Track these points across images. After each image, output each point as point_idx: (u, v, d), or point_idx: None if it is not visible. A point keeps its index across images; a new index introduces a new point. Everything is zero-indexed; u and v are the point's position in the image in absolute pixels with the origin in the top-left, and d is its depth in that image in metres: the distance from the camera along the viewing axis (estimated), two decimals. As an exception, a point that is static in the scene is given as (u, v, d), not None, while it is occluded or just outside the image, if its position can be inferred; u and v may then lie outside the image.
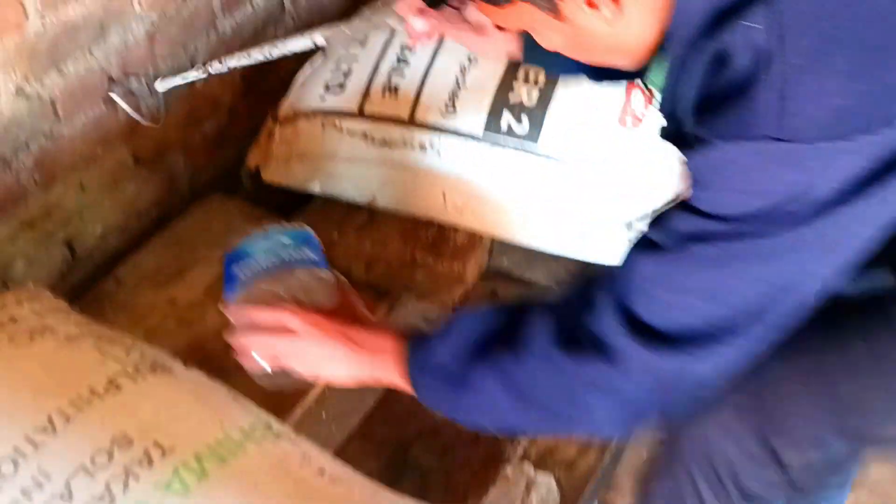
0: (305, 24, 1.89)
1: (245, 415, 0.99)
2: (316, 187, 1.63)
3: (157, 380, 1.01)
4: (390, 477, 1.26)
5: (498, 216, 1.49)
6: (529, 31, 0.91)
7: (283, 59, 1.78)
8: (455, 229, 1.58)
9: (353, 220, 1.63)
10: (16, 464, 0.88)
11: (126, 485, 0.87)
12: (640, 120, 1.41)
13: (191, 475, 0.88)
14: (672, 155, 1.43)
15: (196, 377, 1.06)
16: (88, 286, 1.56)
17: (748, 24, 0.75)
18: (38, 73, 1.39)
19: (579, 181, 1.43)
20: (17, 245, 1.47)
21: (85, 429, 0.91)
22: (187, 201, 1.74)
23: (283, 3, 1.85)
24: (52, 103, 1.44)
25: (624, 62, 0.92)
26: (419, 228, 1.59)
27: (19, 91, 1.37)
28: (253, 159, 1.68)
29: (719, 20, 0.77)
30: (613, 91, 1.41)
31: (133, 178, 1.65)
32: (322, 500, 0.89)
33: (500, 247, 1.62)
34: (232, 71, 1.72)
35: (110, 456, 0.89)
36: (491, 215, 1.50)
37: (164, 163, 1.71)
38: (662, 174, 1.41)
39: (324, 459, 0.98)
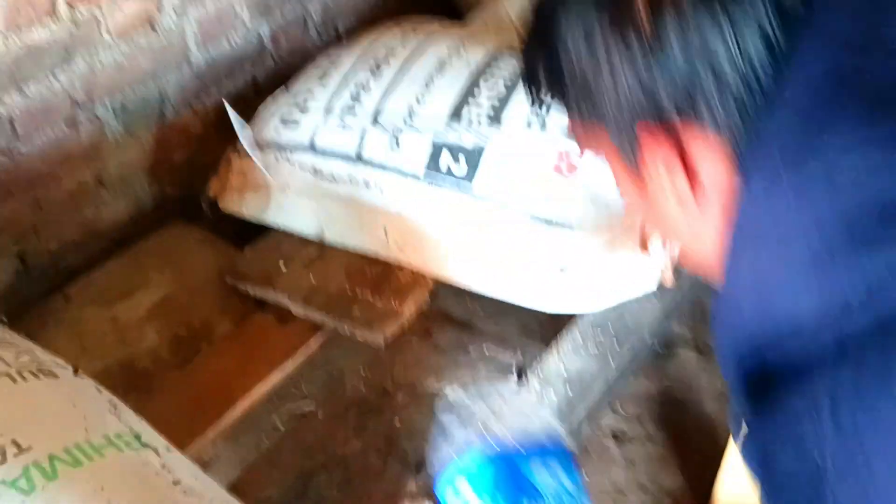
0: (287, 65, 1.95)
1: (117, 424, 1.00)
2: (268, 218, 1.65)
3: (38, 383, 1.02)
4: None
5: (436, 255, 1.50)
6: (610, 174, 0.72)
7: (258, 94, 1.85)
8: (400, 268, 1.58)
9: (303, 254, 1.65)
10: None
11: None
12: (574, 168, 1.41)
13: (40, 475, 0.89)
14: (602, 204, 1.43)
15: (80, 385, 1.07)
16: (38, 300, 1.60)
17: None
18: (-4, 90, 1.45)
19: (513, 225, 1.43)
20: (-30, 255, 1.52)
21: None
22: (151, 226, 1.78)
23: (262, 42, 1.91)
24: (11, 121, 1.50)
25: (701, 259, 0.70)
26: (365, 266, 1.61)
27: (-23, 104, 1.43)
28: (212, 188, 1.72)
29: None
30: (549, 138, 1.42)
31: (94, 200, 1.70)
32: (167, 508, 0.89)
33: (451, 291, 1.62)
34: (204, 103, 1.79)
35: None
36: (429, 253, 1.51)
37: (128, 187, 1.75)
38: (595, 221, 1.41)
39: (186, 472, 0.98)
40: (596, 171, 1.42)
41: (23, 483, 0.88)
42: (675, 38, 0.58)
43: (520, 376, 1.44)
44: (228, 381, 1.45)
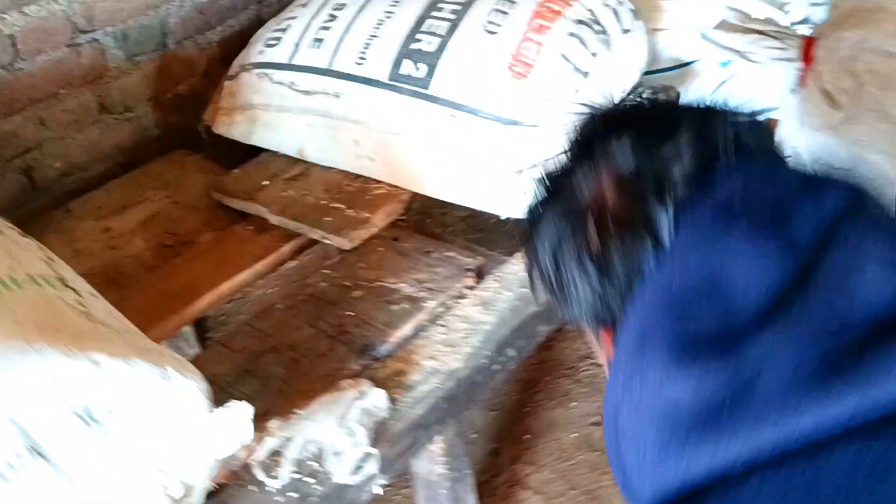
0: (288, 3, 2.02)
1: (45, 269, 1.08)
2: (255, 139, 1.72)
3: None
4: (232, 379, 1.32)
5: (399, 163, 1.54)
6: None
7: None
8: (376, 183, 1.63)
9: (286, 173, 1.71)
10: None
11: None
12: (529, 68, 1.44)
13: (-43, 296, 0.97)
14: (560, 104, 1.45)
15: (21, 241, 1.15)
16: (42, 214, 1.71)
17: None
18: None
19: (469, 127, 1.46)
20: (-28, 165, 1.64)
21: None
22: (154, 153, 1.87)
23: (265, -21, 1.99)
24: (13, 39, 1.61)
25: None
26: (343, 182, 1.65)
27: (-22, 19, 1.55)
28: (208, 114, 1.80)
29: None
30: (504, 41, 1.45)
31: (97, 123, 1.80)
32: (71, 329, 0.96)
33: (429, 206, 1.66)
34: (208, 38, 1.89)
35: None
36: (395, 161, 1.55)
37: (132, 113, 1.85)
38: (549, 123, 1.42)
39: (103, 311, 1.05)
40: (550, 72, 1.44)
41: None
42: (617, 258, 0.67)
43: (478, 277, 1.46)
44: (199, 279, 1.51)
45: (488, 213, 1.54)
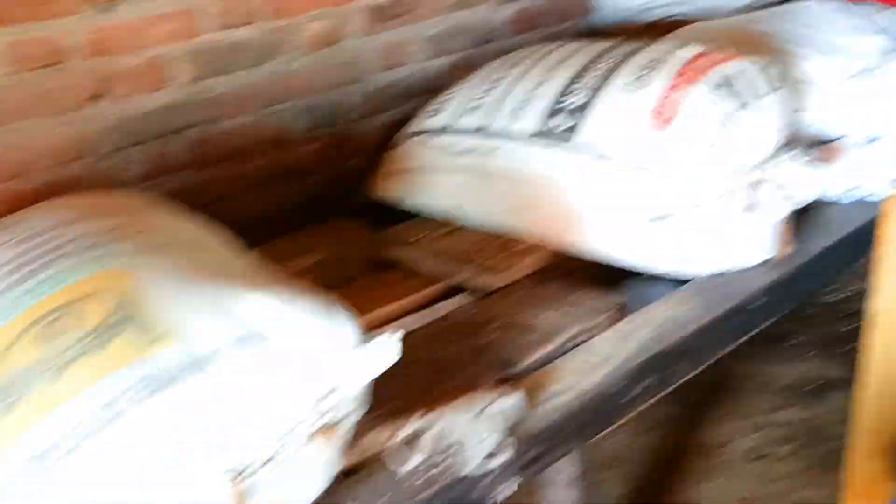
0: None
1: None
2: (411, 201, 1.85)
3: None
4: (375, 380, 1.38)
5: (546, 214, 1.62)
6: None
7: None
8: (520, 238, 1.71)
9: (439, 230, 1.82)
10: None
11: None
12: (671, 119, 1.51)
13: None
14: (696, 156, 1.51)
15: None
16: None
17: None
18: (206, 73, 1.81)
19: (610, 175, 1.54)
20: (168, 208, 1.84)
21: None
22: (324, 217, 2.03)
23: (440, 72, 2.18)
24: (214, 101, 1.84)
25: None
26: (492, 236, 1.75)
27: (188, 83, 1.79)
28: (370, 181, 1.96)
29: None
30: (649, 93, 1.54)
31: (276, 185, 1.99)
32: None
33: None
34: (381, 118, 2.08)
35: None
36: (541, 214, 1.63)
37: (308, 178, 2.04)
38: (685, 174, 1.48)
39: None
40: (689, 125, 1.51)
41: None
42: None
43: (619, 314, 1.49)
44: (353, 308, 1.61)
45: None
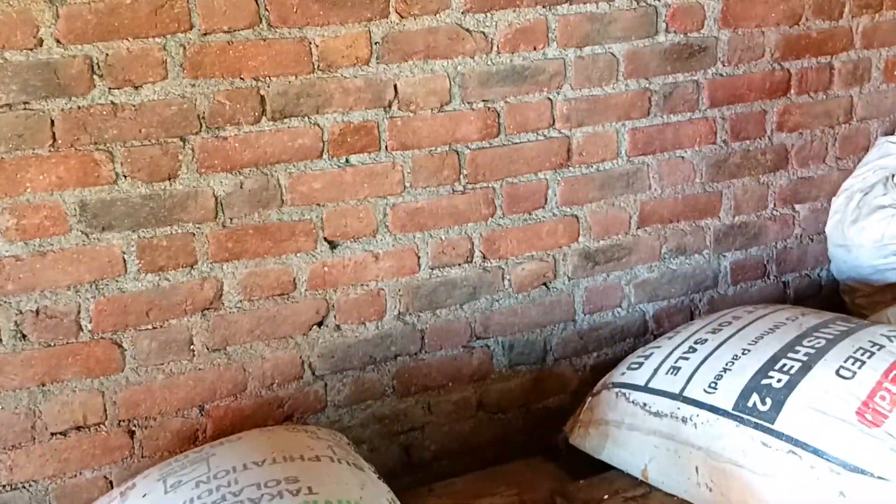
0: (665, 344, 2.18)
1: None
2: (604, 454, 1.81)
3: (346, 468, 1.33)
4: None
5: (736, 496, 1.52)
6: None
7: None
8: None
9: (628, 492, 1.76)
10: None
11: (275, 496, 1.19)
12: (883, 417, 1.39)
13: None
14: None
15: (377, 483, 1.35)
16: (409, 488, 1.92)
17: None
18: (417, 307, 1.92)
19: (810, 467, 1.41)
20: (366, 432, 1.93)
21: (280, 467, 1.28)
22: (516, 454, 2.04)
23: (645, 319, 2.18)
24: (422, 333, 1.94)
25: None
26: (679, 508, 1.67)
27: (400, 316, 1.91)
28: (568, 425, 1.95)
29: None
30: (857, 387, 1.43)
31: (472, 418, 2.03)
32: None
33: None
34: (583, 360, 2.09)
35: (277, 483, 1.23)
36: (731, 495, 1.53)
37: (504, 416, 2.06)
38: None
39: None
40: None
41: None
42: None
43: None
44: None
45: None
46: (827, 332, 1.62)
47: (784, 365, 1.56)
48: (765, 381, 1.56)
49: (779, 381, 1.54)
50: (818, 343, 1.58)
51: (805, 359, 1.55)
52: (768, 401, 1.53)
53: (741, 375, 1.60)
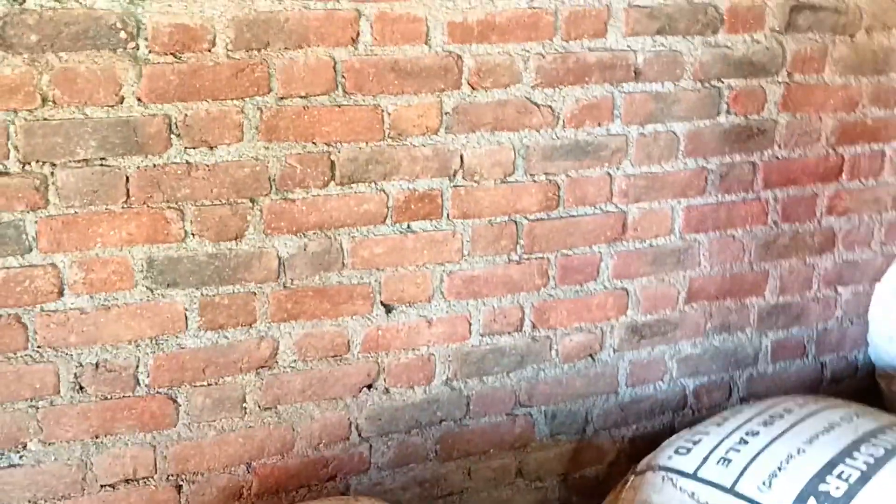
0: (704, 417, 2.18)
1: None
2: (646, 535, 1.82)
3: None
4: None
5: None
6: None
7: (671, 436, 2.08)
8: None
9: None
10: None
11: None
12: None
13: None
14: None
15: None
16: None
17: None
18: (465, 374, 1.92)
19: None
20: (406, 495, 1.93)
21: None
22: (551, 524, 2.05)
23: (685, 395, 2.18)
24: (468, 399, 1.94)
25: None
26: None
27: (447, 381, 1.91)
28: (608, 500, 1.95)
29: None
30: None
31: (511, 485, 2.03)
32: None
33: None
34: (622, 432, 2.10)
35: None
36: None
37: (541, 483, 2.06)
38: None
39: None
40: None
41: None
42: None
43: None
44: None
45: None
46: (885, 439, 1.63)
47: (842, 473, 1.57)
48: (822, 488, 1.56)
49: (837, 488, 1.54)
50: (877, 452, 1.59)
51: (864, 468, 1.55)
52: (827, 508, 1.53)
53: (798, 477, 1.61)
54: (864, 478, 1.54)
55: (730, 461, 1.73)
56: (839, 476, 1.56)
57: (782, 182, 2.16)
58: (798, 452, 1.65)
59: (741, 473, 1.69)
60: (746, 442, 1.75)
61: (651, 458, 1.92)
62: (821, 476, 1.58)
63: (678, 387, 2.17)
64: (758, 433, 1.76)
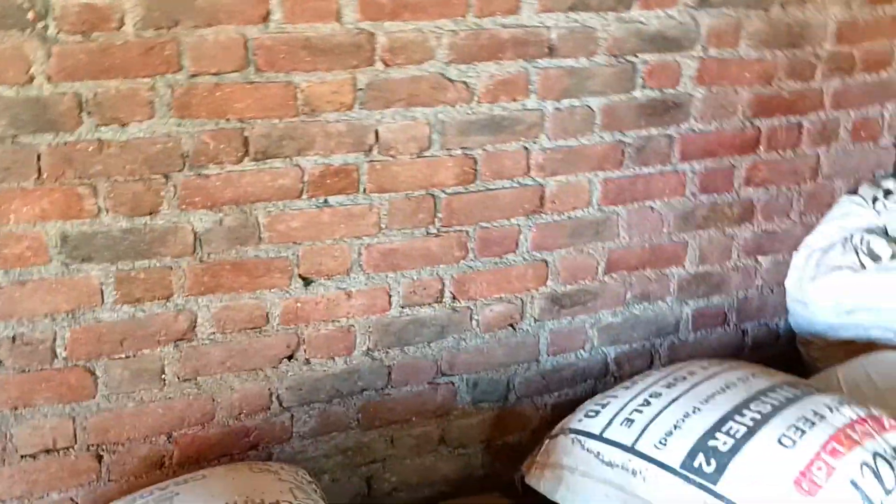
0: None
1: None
2: (558, 496, 1.88)
3: None
4: None
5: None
6: None
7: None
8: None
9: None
10: None
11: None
12: (817, 489, 1.46)
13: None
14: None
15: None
16: (372, 519, 1.99)
17: None
18: (386, 344, 1.97)
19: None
20: (328, 463, 1.99)
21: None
22: (475, 489, 2.11)
23: (606, 362, 2.25)
24: (389, 370, 2.00)
25: None
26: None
27: (368, 352, 1.96)
28: (526, 464, 2.01)
29: None
30: (797, 455, 1.51)
31: (433, 452, 2.09)
32: None
33: None
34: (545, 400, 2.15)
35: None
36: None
37: (464, 451, 2.12)
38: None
39: None
40: (837, 498, 1.46)
41: None
42: None
43: None
44: None
45: None
46: (774, 397, 1.70)
47: (731, 428, 1.64)
48: (711, 443, 1.63)
49: (724, 443, 1.61)
50: (764, 409, 1.66)
51: (751, 424, 1.62)
52: (713, 462, 1.60)
53: (690, 434, 1.68)
54: (750, 432, 1.61)
55: (633, 422, 1.79)
56: (727, 432, 1.63)
57: (699, 154, 2.21)
58: (693, 411, 1.72)
59: (641, 433, 1.76)
60: (649, 403, 1.81)
61: (565, 422, 1.98)
62: (711, 433, 1.65)
63: (599, 355, 2.24)
64: (660, 395, 1.82)
